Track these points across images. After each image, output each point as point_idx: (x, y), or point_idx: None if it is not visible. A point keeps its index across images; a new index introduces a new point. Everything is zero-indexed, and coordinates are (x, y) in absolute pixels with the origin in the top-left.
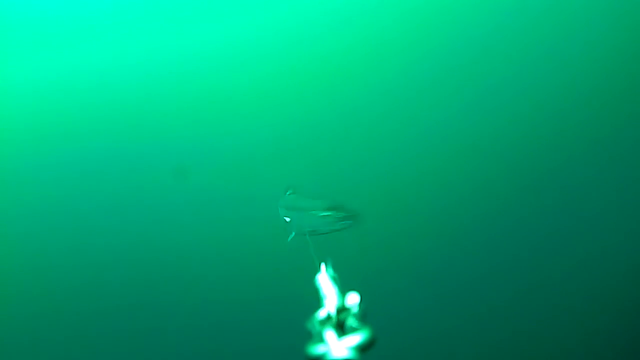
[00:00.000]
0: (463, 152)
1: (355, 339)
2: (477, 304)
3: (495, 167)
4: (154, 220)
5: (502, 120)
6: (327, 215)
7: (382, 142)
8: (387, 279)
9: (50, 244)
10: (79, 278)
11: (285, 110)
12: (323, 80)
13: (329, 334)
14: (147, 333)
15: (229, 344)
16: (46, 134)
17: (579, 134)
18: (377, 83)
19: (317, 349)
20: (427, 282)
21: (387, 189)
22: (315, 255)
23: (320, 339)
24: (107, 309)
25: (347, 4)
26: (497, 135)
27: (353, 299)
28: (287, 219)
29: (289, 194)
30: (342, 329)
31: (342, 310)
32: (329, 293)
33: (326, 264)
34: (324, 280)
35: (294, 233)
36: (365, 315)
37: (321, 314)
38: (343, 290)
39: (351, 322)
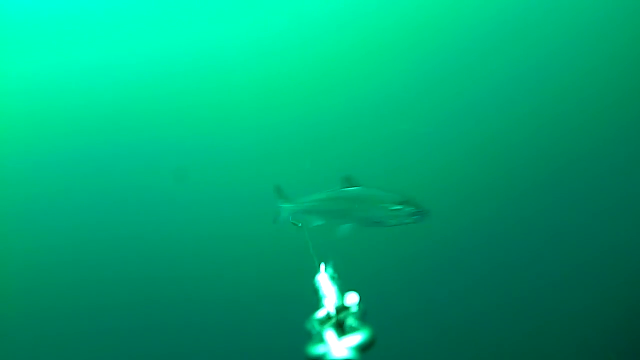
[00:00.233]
0: (463, 152)
1: (355, 339)
2: (477, 304)
3: (495, 167)
4: (154, 220)
5: (503, 120)
6: (397, 209)
7: (382, 142)
8: (387, 279)
9: (50, 244)
10: (78, 277)
11: (285, 110)
12: (323, 80)
13: (329, 334)
14: (147, 331)
15: (229, 344)
16: (46, 134)
17: (579, 134)
18: (377, 83)
19: (317, 349)
20: (427, 282)
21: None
22: (315, 255)
23: (320, 339)
24: (107, 308)
25: (347, 4)
26: (497, 135)
27: (352, 299)
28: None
29: (277, 191)
30: (342, 328)
31: (341, 310)
32: (329, 293)
33: (326, 264)
34: (324, 280)
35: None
36: (365, 315)
37: (321, 313)
38: (343, 290)
39: (351, 322)
